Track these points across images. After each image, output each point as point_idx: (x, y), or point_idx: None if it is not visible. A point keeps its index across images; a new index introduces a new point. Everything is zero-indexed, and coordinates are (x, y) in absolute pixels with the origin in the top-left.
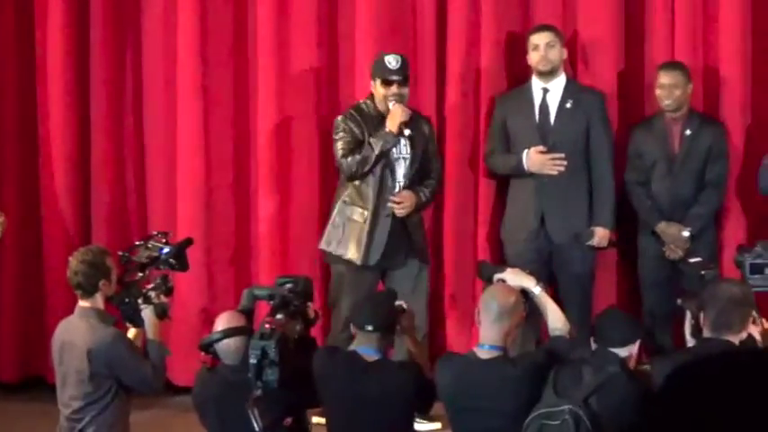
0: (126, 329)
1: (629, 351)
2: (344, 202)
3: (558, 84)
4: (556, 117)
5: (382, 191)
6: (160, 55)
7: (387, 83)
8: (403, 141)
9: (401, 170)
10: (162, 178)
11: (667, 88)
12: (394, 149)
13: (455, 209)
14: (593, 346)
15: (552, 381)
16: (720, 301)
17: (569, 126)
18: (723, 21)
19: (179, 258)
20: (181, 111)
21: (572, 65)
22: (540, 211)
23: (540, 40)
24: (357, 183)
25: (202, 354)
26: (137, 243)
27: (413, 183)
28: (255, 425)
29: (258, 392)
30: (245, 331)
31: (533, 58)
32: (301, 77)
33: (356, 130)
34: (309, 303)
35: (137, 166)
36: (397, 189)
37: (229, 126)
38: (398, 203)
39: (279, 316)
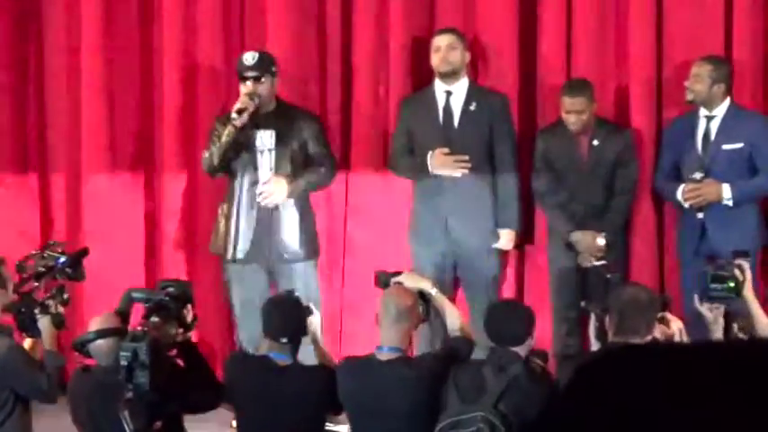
0: (23, 339)
1: (528, 346)
2: (223, 201)
3: (461, 86)
4: (460, 119)
5: (244, 184)
6: (63, 48)
7: (242, 79)
8: (269, 133)
9: (267, 162)
10: (65, 180)
11: (574, 114)
12: (258, 142)
13: (364, 214)
14: (489, 342)
15: (454, 386)
16: (625, 305)
17: (473, 128)
18: (631, 24)
19: (75, 268)
20: (85, 105)
21: (474, 68)
22: (444, 213)
23: (441, 42)
24: (230, 180)
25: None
26: (33, 252)
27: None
28: (126, 427)
29: (129, 395)
30: (118, 332)
31: (435, 59)
32: (207, 71)
33: (221, 129)
34: (189, 306)
35: (39, 169)
36: (264, 181)
37: (135, 121)
38: (263, 193)
39: (153, 319)
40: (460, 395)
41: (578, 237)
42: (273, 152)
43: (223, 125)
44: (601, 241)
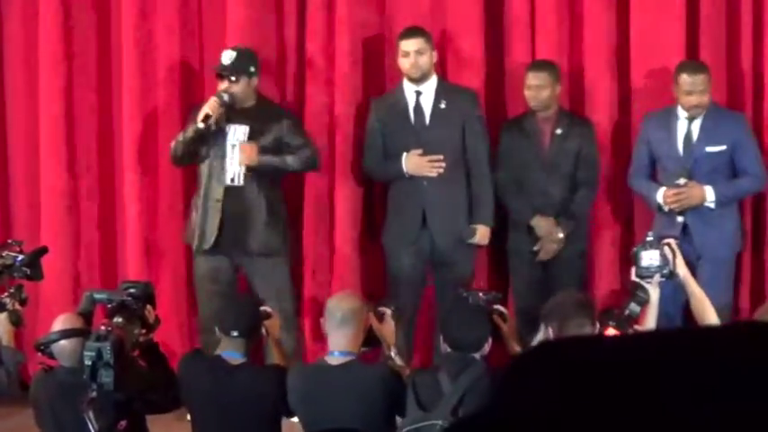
0: None
1: (485, 350)
2: (195, 193)
3: (430, 85)
4: (431, 118)
5: (212, 177)
6: (22, 59)
7: (219, 77)
8: (242, 129)
9: (237, 156)
10: (24, 183)
11: (534, 89)
12: (231, 137)
13: (313, 216)
14: (445, 348)
15: (413, 393)
16: (562, 310)
17: (445, 127)
18: (588, 19)
19: (33, 267)
20: (43, 108)
21: (441, 65)
22: (420, 213)
23: (409, 47)
24: (200, 172)
25: (39, 355)
26: None
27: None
28: (91, 427)
29: (93, 394)
30: (81, 333)
31: (404, 64)
32: (166, 70)
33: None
34: (149, 307)
35: None
36: (230, 178)
37: (94, 121)
38: (241, 152)
39: (116, 319)
40: (419, 402)
41: (538, 221)
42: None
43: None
44: (560, 234)
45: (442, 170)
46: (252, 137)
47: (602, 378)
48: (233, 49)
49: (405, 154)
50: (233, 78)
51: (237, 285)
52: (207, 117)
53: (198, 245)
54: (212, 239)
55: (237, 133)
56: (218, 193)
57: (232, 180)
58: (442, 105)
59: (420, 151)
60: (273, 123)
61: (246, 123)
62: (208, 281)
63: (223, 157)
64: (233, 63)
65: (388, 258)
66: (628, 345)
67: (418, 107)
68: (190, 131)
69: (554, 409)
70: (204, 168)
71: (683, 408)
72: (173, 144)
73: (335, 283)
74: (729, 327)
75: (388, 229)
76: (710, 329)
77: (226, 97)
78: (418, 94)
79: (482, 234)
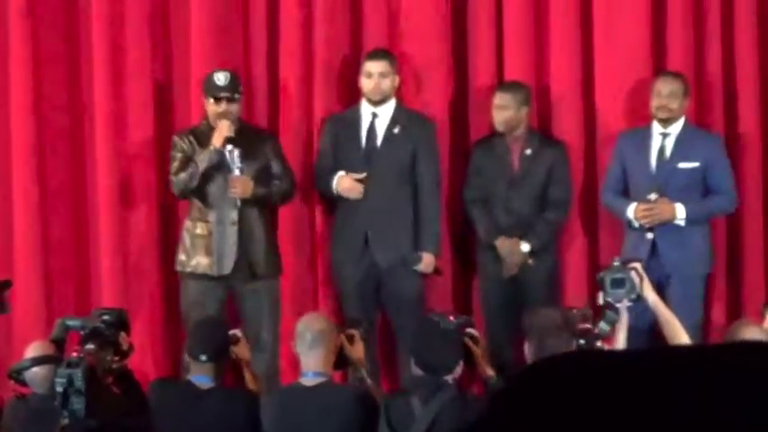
0: None
1: (457, 373)
2: (190, 219)
3: (388, 109)
4: (383, 142)
5: (223, 202)
6: None
7: (216, 100)
8: (237, 153)
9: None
10: None
11: (496, 109)
12: (231, 163)
13: (291, 232)
14: (416, 371)
15: (385, 416)
16: (542, 329)
17: (396, 151)
18: (554, 38)
19: None
20: (15, 137)
21: (402, 86)
22: (363, 233)
23: (374, 68)
24: (196, 199)
25: (11, 382)
26: None
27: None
28: None
29: (65, 421)
30: (53, 360)
31: (366, 85)
32: (136, 96)
33: (187, 148)
34: (123, 334)
35: None
36: (235, 200)
37: (65, 147)
38: (234, 187)
39: (89, 346)
40: (391, 426)
41: (501, 242)
42: (243, 170)
43: (190, 144)
44: (525, 247)
45: (361, 196)
46: (246, 159)
47: (606, 392)
48: (222, 70)
49: (338, 174)
50: (235, 97)
51: (225, 311)
52: (229, 139)
53: (215, 268)
54: (232, 263)
55: (234, 158)
56: (233, 216)
57: (244, 203)
58: (396, 130)
59: (364, 174)
60: (259, 147)
61: (238, 147)
62: (199, 308)
63: (227, 182)
64: (230, 83)
65: (335, 273)
66: (630, 360)
67: (372, 129)
68: (202, 158)
69: (556, 422)
70: (213, 194)
71: (691, 421)
72: (179, 178)
73: (320, 304)
74: (728, 346)
75: (334, 244)
76: (713, 348)
77: (233, 119)
78: (374, 116)
79: (427, 262)
